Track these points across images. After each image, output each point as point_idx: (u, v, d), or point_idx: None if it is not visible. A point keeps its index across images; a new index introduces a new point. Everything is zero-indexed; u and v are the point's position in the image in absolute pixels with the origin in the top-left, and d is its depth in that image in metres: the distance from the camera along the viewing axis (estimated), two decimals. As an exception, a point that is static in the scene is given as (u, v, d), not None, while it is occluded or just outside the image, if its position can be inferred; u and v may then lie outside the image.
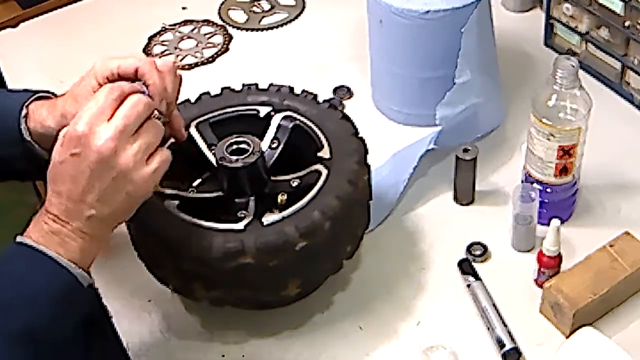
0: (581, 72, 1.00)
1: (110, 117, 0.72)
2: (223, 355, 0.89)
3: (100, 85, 0.82)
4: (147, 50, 1.35)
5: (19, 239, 0.72)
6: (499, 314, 0.89)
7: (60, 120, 0.83)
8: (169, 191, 0.88)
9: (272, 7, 1.43)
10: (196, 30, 1.40)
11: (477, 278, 0.93)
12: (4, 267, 0.71)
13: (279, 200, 0.89)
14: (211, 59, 1.33)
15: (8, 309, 0.69)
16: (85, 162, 0.71)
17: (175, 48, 1.36)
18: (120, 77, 0.81)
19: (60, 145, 0.72)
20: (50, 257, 0.71)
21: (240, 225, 0.83)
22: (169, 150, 0.76)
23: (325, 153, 0.90)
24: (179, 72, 0.85)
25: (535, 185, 0.95)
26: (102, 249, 0.75)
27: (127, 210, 0.75)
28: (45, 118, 0.85)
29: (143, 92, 0.76)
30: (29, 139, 0.85)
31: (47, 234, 0.72)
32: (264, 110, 0.96)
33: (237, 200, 0.89)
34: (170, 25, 1.41)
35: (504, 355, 0.85)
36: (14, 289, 0.70)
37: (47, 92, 0.90)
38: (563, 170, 0.94)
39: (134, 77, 0.80)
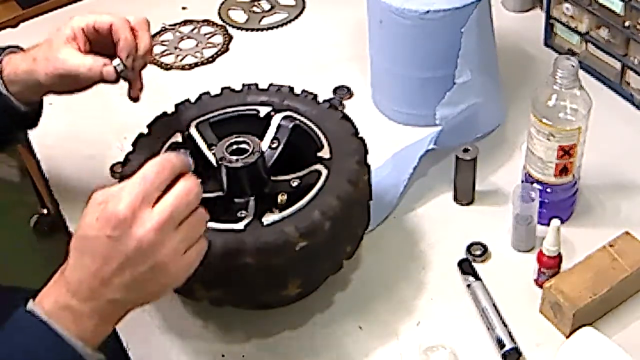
0: (581, 72, 1.00)
1: (156, 202, 0.67)
2: (223, 355, 0.89)
3: (75, 37, 0.87)
4: (147, 50, 1.35)
5: (30, 306, 0.68)
6: (499, 314, 0.89)
7: (31, 65, 0.88)
8: (169, 191, 0.88)
9: (272, 7, 1.43)
10: (196, 30, 1.40)
11: (477, 278, 0.93)
12: (11, 334, 0.67)
13: (279, 200, 0.89)
14: (211, 59, 1.33)
15: None
16: (122, 248, 0.65)
17: (175, 48, 1.36)
18: (95, 30, 0.87)
19: (96, 219, 0.66)
20: (57, 333, 0.66)
21: (240, 225, 0.83)
22: (206, 241, 0.71)
23: (325, 153, 0.90)
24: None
25: (535, 185, 0.95)
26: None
27: (154, 298, 0.70)
28: (18, 64, 0.88)
29: (189, 165, 0.71)
30: (5, 92, 0.87)
31: (61, 308, 0.67)
32: (264, 110, 0.96)
33: (237, 200, 0.89)
34: (170, 25, 1.41)
35: (504, 355, 0.85)
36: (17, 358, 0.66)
37: (17, 46, 0.93)
38: (563, 170, 0.94)
39: (109, 32, 0.87)
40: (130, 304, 0.69)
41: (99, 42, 0.90)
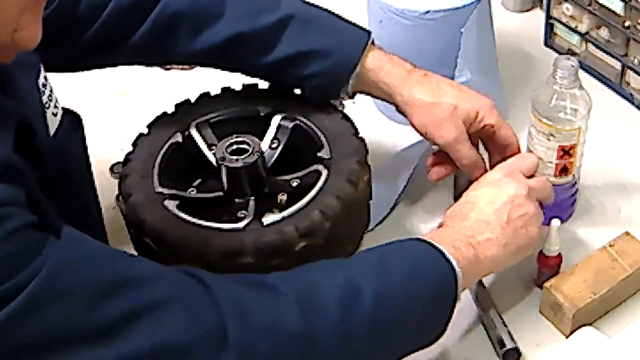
0: (581, 72, 1.00)
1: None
2: (223, 355, 0.89)
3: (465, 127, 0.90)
4: (147, 50, 1.35)
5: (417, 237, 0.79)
6: (499, 314, 0.89)
7: (386, 94, 0.93)
8: (168, 191, 0.88)
9: (272, 7, 1.43)
10: (196, 30, 1.39)
11: (477, 278, 0.93)
12: (398, 249, 0.78)
13: (279, 200, 0.89)
14: (211, 59, 1.32)
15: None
16: (502, 195, 0.81)
17: (175, 48, 1.35)
18: (483, 127, 0.90)
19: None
20: (438, 249, 0.76)
21: (240, 225, 0.83)
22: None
23: (325, 153, 0.90)
24: None
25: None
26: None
27: (514, 253, 0.81)
28: (390, 72, 0.92)
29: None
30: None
31: (443, 239, 0.78)
32: (264, 110, 0.96)
33: (237, 200, 0.89)
34: (170, 25, 1.40)
35: (504, 355, 0.85)
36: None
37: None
38: (563, 170, 0.94)
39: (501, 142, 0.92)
40: (500, 250, 0.79)
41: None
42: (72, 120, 0.85)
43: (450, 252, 0.76)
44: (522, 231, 0.81)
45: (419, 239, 0.78)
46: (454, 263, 0.75)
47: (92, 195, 0.90)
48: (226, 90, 1.00)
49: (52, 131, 0.78)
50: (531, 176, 0.85)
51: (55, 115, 0.80)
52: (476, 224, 0.80)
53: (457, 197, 1.03)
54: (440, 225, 0.83)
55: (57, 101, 0.81)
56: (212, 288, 0.65)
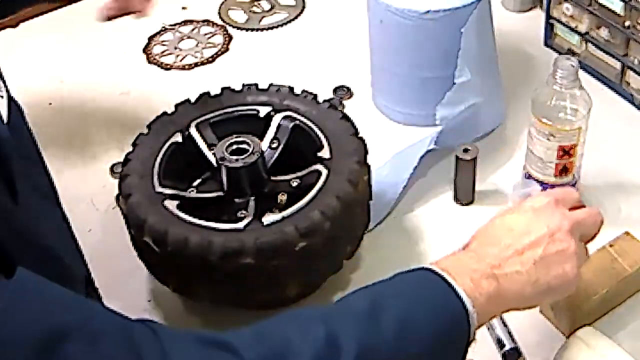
0: (581, 72, 1.00)
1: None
2: (223, 355, 0.89)
3: None
4: (147, 50, 1.35)
5: (426, 265, 0.68)
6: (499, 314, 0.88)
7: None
8: (169, 191, 0.88)
9: (272, 7, 1.43)
10: (196, 30, 1.40)
11: (477, 278, 0.93)
12: (399, 280, 0.68)
13: (279, 200, 0.89)
14: (211, 59, 1.33)
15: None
16: (547, 222, 0.72)
17: (175, 48, 1.36)
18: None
19: (518, 203, 0.75)
20: (449, 283, 0.66)
21: (240, 225, 0.83)
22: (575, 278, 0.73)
23: (325, 153, 0.90)
24: None
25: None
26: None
27: (542, 293, 0.71)
28: None
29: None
30: None
31: (462, 268, 0.68)
32: (264, 110, 0.96)
33: (237, 200, 0.89)
34: (170, 25, 1.41)
35: (504, 355, 0.85)
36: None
37: None
38: (563, 170, 0.94)
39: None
40: (527, 287, 0.70)
41: None
42: (16, 107, 0.75)
43: (466, 286, 0.66)
44: (557, 269, 0.71)
45: (429, 269, 0.68)
46: (468, 304, 0.65)
47: (52, 191, 0.80)
48: (226, 90, 1.00)
49: (4, 117, 0.69)
50: (577, 207, 0.77)
51: (2, 97, 0.74)
52: (506, 253, 0.70)
53: (457, 197, 1.04)
54: (465, 246, 0.74)
55: (2, 85, 0.76)
56: (166, 348, 0.57)
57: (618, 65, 1.14)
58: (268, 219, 0.83)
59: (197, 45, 1.36)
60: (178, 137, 0.94)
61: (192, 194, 0.91)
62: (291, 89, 0.98)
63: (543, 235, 0.71)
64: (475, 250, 0.72)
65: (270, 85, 0.99)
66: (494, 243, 0.71)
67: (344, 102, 1.21)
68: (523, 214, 0.74)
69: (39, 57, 1.37)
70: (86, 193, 1.10)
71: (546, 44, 1.26)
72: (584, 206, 0.78)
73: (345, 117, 0.94)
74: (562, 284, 0.72)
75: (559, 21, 1.21)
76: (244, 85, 1.00)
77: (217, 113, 0.97)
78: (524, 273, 0.70)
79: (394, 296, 0.66)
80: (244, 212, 0.87)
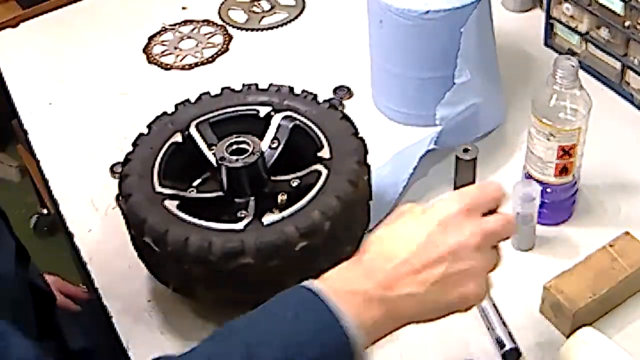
0: (581, 72, 1.00)
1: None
2: (223, 355, 0.89)
3: None
4: (147, 50, 1.35)
5: (312, 285, 0.63)
6: (499, 314, 0.89)
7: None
8: (169, 191, 0.88)
9: (272, 7, 1.43)
10: (196, 30, 1.40)
11: (477, 278, 0.93)
12: (282, 300, 0.64)
13: (279, 200, 0.89)
14: (211, 59, 1.33)
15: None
16: (447, 240, 0.64)
17: (175, 48, 1.36)
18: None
19: (422, 211, 0.66)
20: (330, 309, 0.61)
21: (240, 225, 0.83)
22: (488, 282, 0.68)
23: (325, 153, 0.90)
24: None
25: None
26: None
27: (445, 308, 0.66)
28: None
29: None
30: None
31: (349, 289, 0.63)
32: (264, 110, 0.96)
33: (237, 200, 0.89)
34: (170, 25, 1.41)
35: (504, 355, 0.85)
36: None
37: None
38: (563, 170, 0.94)
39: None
40: (422, 308, 0.65)
41: None
42: None
43: (351, 311, 0.60)
44: (457, 289, 0.65)
45: (311, 291, 0.62)
46: (353, 333, 0.60)
47: None
48: (226, 90, 1.00)
49: None
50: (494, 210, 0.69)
51: None
52: (401, 270, 0.63)
53: (457, 197, 1.04)
54: (358, 253, 0.67)
55: None
56: None
57: (618, 65, 1.14)
58: (268, 219, 0.83)
59: (197, 45, 1.36)
60: (178, 137, 0.94)
61: (192, 194, 0.91)
62: (291, 89, 0.98)
63: (446, 252, 0.64)
64: (366, 263, 0.65)
65: (270, 85, 0.99)
66: (389, 257, 0.64)
67: (344, 102, 1.21)
68: (426, 223, 0.65)
69: (39, 57, 1.37)
70: (86, 193, 1.10)
71: (546, 44, 1.26)
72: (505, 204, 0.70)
73: (345, 117, 0.94)
74: (466, 302, 0.67)
75: (559, 21, 1.21)
76: (244, 85, 1.00)
77: (217, 113, 0.97)
78: (419, 295, 0.63)
79: (269, 341, 0.61)
80: (244, 212, 0.87)
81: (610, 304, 0.89)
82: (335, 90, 1.22)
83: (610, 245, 0.90)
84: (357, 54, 1.26)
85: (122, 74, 1.31)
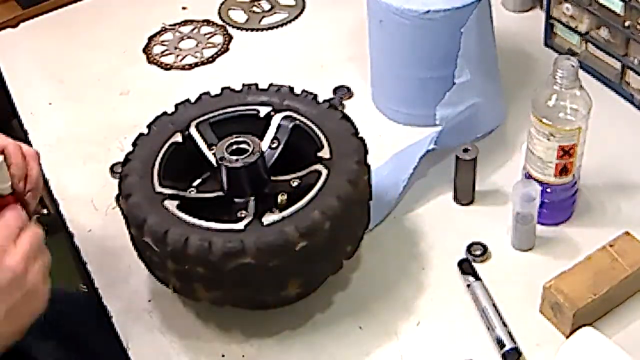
0: (581, 72, 1.00)
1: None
2: (223, 355, 0.89)
3: None
4: (147, 50, 1.35)
5: None
6: (499, 314, 0.89)
7: None
8: (168, 191, 0.88)
9: (272, 7, 1.43)
10: (196, 30, 1.40)
11: (477, 278, 0.93)
12: None
13: (279, 200, 0.89)
14: (211, 59, 1.33)
15: None
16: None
17: (175, 48, 1.36)
18: None
19: None
20: None
21: (240, 225, 0.83)
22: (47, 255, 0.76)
23: (325, 153, 0.90)
24: None
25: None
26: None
27: (25, 327, 0.72)
28: None
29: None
30: None
31: None
32: (264, 110, 0.96)
33: (237, 200, 0.89)
34: (170, 25, 1.41)
35: (504, 355, 0.85)
36: None
37: None
38: (563, 170, 0.94)
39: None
40: (2, 338, 0.70)
41: None
42: None
43: None
44: (23, 318, 0.72)
45: None
46: None
47: None
48: (226, 90, 1.00)
49: None
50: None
51: None
52: None
53: (457, 197, 1.04)
54: None
55: None
56: None
57: (618, 65, 1.15)
58: (268, 219, 0.83)
59: (197, 45, 1.36)
60: (178, 137, 0.94)
61: (192, 194, 0.91)
62: (291, 89, 0.98)
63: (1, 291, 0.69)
64: None
65: (270, 85, 0.99)
66: None
67: (344, 102, 1.21)
68: None
69: (39, 57, 1.37)
70: (86, 193, 1.10)
71: (546, 44, 1.26)
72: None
73: (345, 117, 0.94)
74: (34, 317, 0.72)
75: (559, 21, 1.21)
76: (244, 85, 1.00)
77: (217, 113, 0.97)
78: None
79: None
80: (244, 212, 0.87)
81: (610, 304, 0.89)
82: (335, 90, 1.22)
83: (610, 245, 0.90)
84: (357, 54, 1.26)
85: (122, 74, 1.31)
